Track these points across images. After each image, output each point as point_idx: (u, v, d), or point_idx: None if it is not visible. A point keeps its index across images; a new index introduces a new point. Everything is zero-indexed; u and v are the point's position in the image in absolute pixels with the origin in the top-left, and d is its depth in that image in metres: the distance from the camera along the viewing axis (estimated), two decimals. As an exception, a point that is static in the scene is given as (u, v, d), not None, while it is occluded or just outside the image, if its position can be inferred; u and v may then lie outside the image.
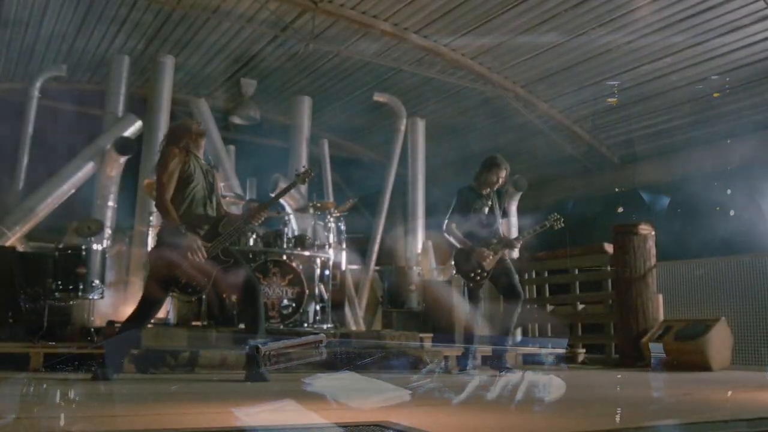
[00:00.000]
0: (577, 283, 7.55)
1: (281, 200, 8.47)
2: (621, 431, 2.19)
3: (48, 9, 7.75)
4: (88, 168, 7.94)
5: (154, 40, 8.65)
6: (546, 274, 8.03)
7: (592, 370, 6.34)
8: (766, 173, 7.80)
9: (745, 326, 6.09)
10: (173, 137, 4.32)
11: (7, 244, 7.26)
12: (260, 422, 2.22)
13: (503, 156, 5.43)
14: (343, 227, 7.14)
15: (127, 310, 6.68)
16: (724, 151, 8.72)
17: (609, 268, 7.13)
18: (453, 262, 5.45)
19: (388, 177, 9.69)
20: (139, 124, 8.17)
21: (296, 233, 7.29)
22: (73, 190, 7.92)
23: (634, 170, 10.15)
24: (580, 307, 7.58)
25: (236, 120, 10.01)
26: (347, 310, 8.45)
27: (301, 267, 6.46)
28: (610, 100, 9.10)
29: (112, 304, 7.11)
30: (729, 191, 7.94)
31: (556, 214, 5.29)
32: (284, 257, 6.35)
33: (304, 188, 9.12)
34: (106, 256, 6.74)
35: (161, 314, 5.74)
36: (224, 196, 6.41)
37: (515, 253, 7.84)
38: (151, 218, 6.72)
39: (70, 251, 6.35)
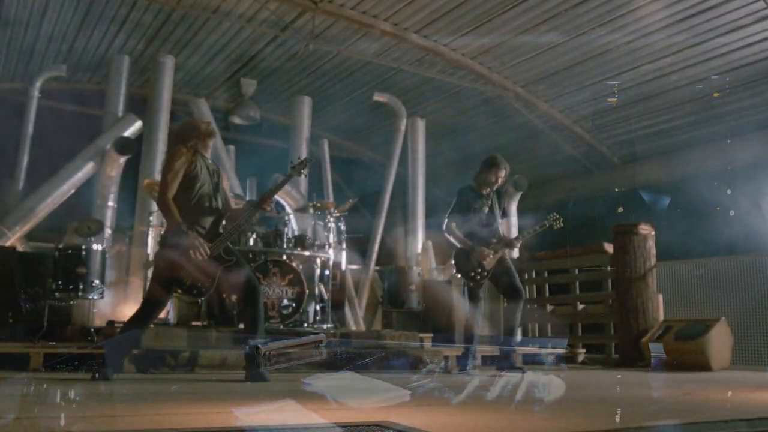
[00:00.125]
0: (577, 283, 7.55)
1: (281, 200, 8.48)
2: (621, 431, 2.19)
3: (48, 9, 7.75)
4: (88, 168, 7.95)
5: (154, 40, 8.65)
6: (546, 274, 8.03)
7: (592, 370, 6.34)
8: (766, 173, 7.80)
9: (745, 326, 6.09)
10: (181, 136, 4.32)
11: (7, 244, 7.27)
12: (260, 422, 2.22)
13: (503, 156, 5.43)
14: (343, 227, 7.14)
15: (127, 310, 6.70)
16: (724, 151, 8.73)
17: (609, 268, 7.13)
18: (453, 262, 5.46)
19: (388, 177, 9.70)
20: (139, 124, 8.17)
21: (296, 233, 7.28)
22: (73, 190, 7.92)
23: (634, 170, 10.15)
24: (580, 307, 7.58)
25: (236, 120, 10.02)
26: (347, 310, 8.45)
27: (301, 267, 6.45)
28: (610, 100, 9.11)
29: (112, 304, 7.12)
30: (729, 191, 7.94)
31: (555, 213, 5.29)
32: (284, 257, 6.35)
33: (304, 188, 9.13)
34: (106, 256, 6.74)
35: (161, 314, 5.74)
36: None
37: (515, 253, 7.84)
38: (151, 218, 6.73)
39: (70, 251, 6.35)
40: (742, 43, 7.46)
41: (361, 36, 8.48)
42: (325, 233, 7.06)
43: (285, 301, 6.14)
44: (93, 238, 6.62)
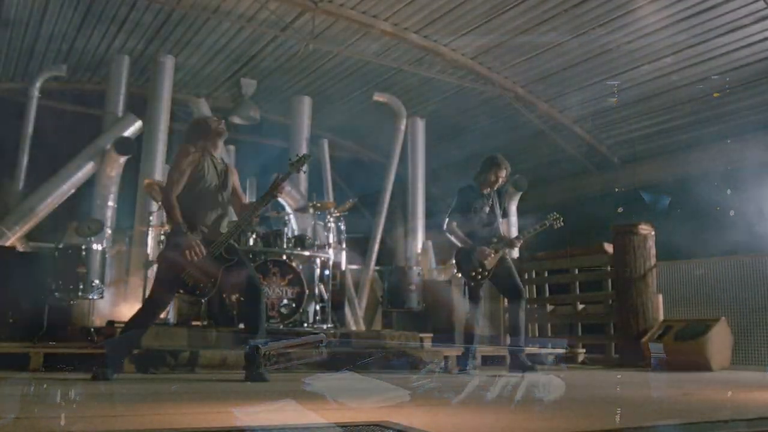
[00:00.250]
0: (577, 283, 7.55)
1: (281, 200, 8.48)
2: (621, 431, 2.19)
3: (48, 9, 7.75)
4: (88, 168, 7.95)
5: (154, 40, 8.65)
6: (546, 274, 8.03)
7: (592, 370, 6.34)
8: (766, 173, 7.79)
9: (745, 326, 6.09)
10: (191, 135, 4.32)
11: (7, 244, 7.27)
12: (260, 422, 2.22)
13: (503, 156, 5.44)
14: (343, 227, 7.14)
15: (127, 309, 6.70)
16: (724, 151, 8.72)
17: (609, 268, 7.13)
18: (454, 261, 5.46)
19: (388, 177, 9.69)
20: (139, 124, 8.17)
21: (296, 233, 7.29)
22: (73, 190, 7.93)
23: (634, 170, 10.15)
24: (580, 307, 7.58)
25: (236, 120, 10.01)
26: (347, 310, 8.45)
27: (301, 267, 6.46)
28: (610, 100, 9.10)
29: (112, 304, 7.12)
30: (729, 191, 7.94)
31: (555, 213, 5.29)
32: (284, 257, 6.35)
33: (304, 188, 9.13)
34: (106, 256, 6.74)
35: (161, 314, 5.73)
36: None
37: (515, 253, 7.84)
38: (151, 218, 6.72)
39: (70, 251, 6.35)
40: (742, 43, 7.46)
41: (361, 36, 8.48)
42: (325, 233, 7.06)
43: (285, 301, 6.15)
44: (93, 238, 6.62)
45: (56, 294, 6.13)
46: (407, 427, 2.13)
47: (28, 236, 7.74)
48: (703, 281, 6.53)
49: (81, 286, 6.19)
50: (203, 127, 4.34)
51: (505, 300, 7.61)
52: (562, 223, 5.26)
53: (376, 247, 9.39)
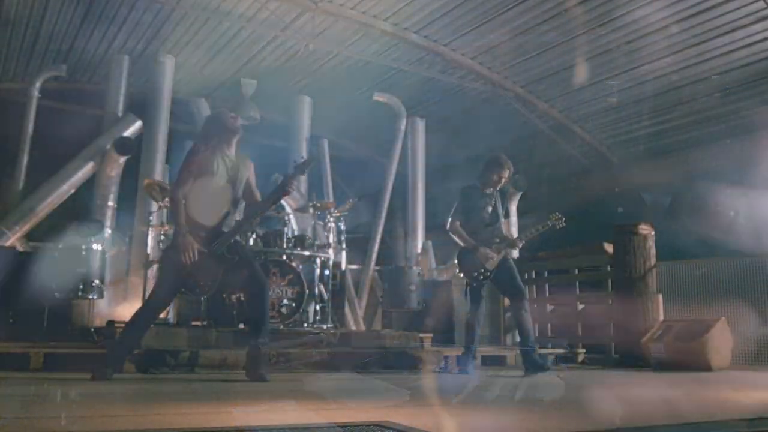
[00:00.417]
0: (577, 283, 7.55)
1: (281, 200, 8.48)
2: (621, 431, 2.19)
3: (48, 9, 7.74)
4: (88, 168, 7.95)
5: (154, 40, 8.64)
6: (546, 274, 8.03)
7: (592, 370, 6.34)
8: (765, 173, 7.79)
9: (745, 326, 6.08)
10: (205, 132, 4.32)
11: (7, 244, 7.27)
12: (260, 422, 2.22)
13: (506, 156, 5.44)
14: (343, 227, 7.14)
15: (127, 310, 6.70)
16: (724, 151, 8.72)
17: (609, 268, 7.12)
18: (456, 261, 5.46)
19: (388, 177, 9.69)
20: (139, 124, 8.17)
21: (296, 233, 7.28)
22: (73, 190, 7.92)
23: (634, 170, 10.15)
24: (580, 307, 7.58)
25: (236, 120, 10.00)
26: (347, 310, 8.45)
27: (301, 267, 6.46)
28: (610, 99, 9.10)
29: (112, 304, 7.12)
30: (729, 191, 7.94)
31: (557, 213, 5.27)
32: (284, 257, 6.35)
33: (304, 188, 9.13)
34: (106, 256, 6.74)
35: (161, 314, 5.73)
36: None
37: (515, 253, 7.84)
38: (151, 218, 6.73)
39: (70, 251, 6.35)
40: (741, 43, 7.46)
41: (361, 36, 8.48)
42: (325, 233, 7.06)
43: (285, 301, 6.15)
44: (93, 238, 6.62)
45: (56, 294, 6.13)
46: (407, 427, 2.13)
47: (28, 236, 7.74)
48: (703, 281, 6.52)
49: (81, 286, 6.19)
50: (217, 125, 4.31)
51: (506, 300, 7.61)
52: (564, 224, 5.26)
53: (376, 247, 9.39)
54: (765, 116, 8.37)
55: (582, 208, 10.24)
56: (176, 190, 4.14)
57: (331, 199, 8.79)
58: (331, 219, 6.93)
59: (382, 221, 9.54)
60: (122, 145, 7.74)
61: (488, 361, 6.21)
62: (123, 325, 5.18)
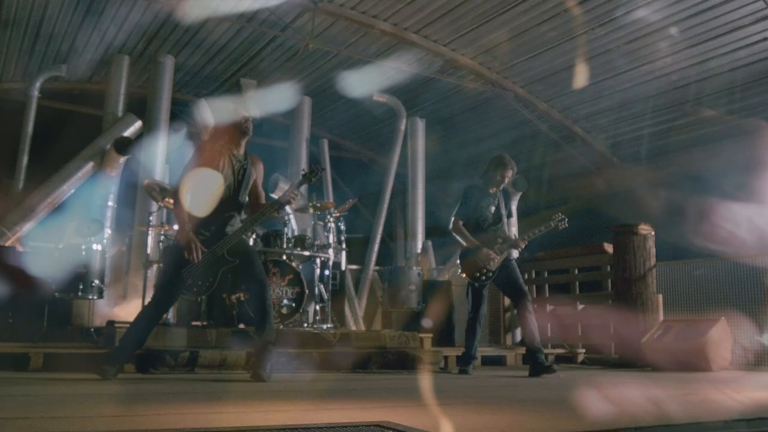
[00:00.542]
0: (577, 283, 7.55)
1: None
2: (621, 431, 2.19)
3: (48, 9, 7.74)
4: (88, 168, 7.95)
5: (154, 40, 8.64)
6: (546, 274, 8.03)
7: (591, 370, 6.34)
8: (765, 173, 7.79)
9: (745, 327, 6.08)
10: (216, 131, 4.30)
11: (7, 244, 7.27)
12: (260, 422, 2.22)
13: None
14: (343, 227, 7.14)
15: (127, 310, 6.70)
16: (724, 151, 8.72)
17: (609, 269, 7.13)
18: (458, 261, 5.45)
19: (388, 177, 9.69)
20: (139, 124, 8.17)
21: (296, 233, 7.28)
22: (73, 190, 7.92)
23: (634, 170, 10.15)
24: (580, 307, 7.58)
25: (236, 120, 10.00)
26: (347, 310, 8.45)
27: (301, 267, 6.46)
28: (610, 99, 9.10)
29: (112, 304, 7.12)
30: (728, 191, 7.93)
31: (560, 214, 5.27)
32: (284, 257, 6.35)
33: (304, 188, 9.13)
34: (106, 256, 6.74)
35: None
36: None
37: (515, 253, 7.84)
38: (151, 218, 6.73)
39: (70, 251, 6.35)
40: (741, 43, 7.46)
41: (361, 36, 8.48)
42: (325, 233, 7.06)
43: (285, 301, 6.15)
44: (93, 238, 6.62)
45: (56, 294, 6.13)
46: (407, 427, 2.13)
47: (28, 236, 7.74)
48: (703, 281, 6.52)
49: (81, 286, 6.18)
50: (229, 127, 4.26)
51: (506, 300, 7.62)
52: (566, 224, 5.25)
53: (376, 247, 9.39)
54: (764, 116, 8.37)
55: (582, 208, 10.26)
56: (180, 188, 4.13)
57: (331, 199, 8.78)
58: (331, 219, 6.93)
59: (382, 221, 9.54)
60: (122, 145, 7.73)
61: (488, 361, 6.21)
62: (123, 325, 5.19)
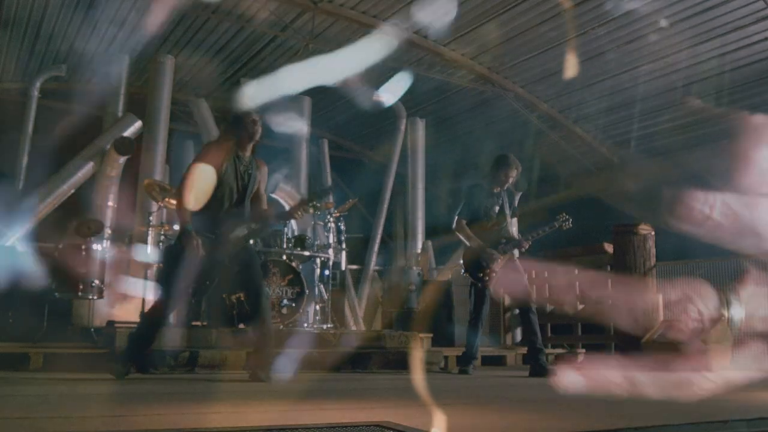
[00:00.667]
0: (577, 283, 7.54)
1: (282, 201, 8.48)
2: (621, 431, 2.19)
3: (48, 9, 7.74)
4: (88, 168, 7.94)
5: (154, 40, 8.64)
6: (546, 274, 8.02)
7: (592, 369, 6.33)
8: (764, 173, 7.79)
9: (745, 326, 6.08)
10: (224, 132, 4.28)
11: (7, 244, 7.26)
12: (260, 422, 2.22)
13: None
14: (343, 227, 7.14)
15: (127, 309, 6.69)
16: (724, 151, 8.71)
17: (609, 269, 7.12)
18: (461, 261, 5.43)
19: (388, 177, 9.69)
20: (139, 124, 8.17)
21: (296, 233, 7.28)
22: (73, 190, 7.92)
23: (635, 170, 10.14)
24: (580, 307, 7.57)
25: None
26: (347, 310, 8.45)
27: (301, 267, 6.45)
28: (610, 99, 9.10)
29: (112, 304, 7.11)
30: (728, 191, 7.93)
31: (565, 214, 5.24)
32: (284, 257, 6.35)
33: (304, 188, 9.13)
34: (106, 256, 6.73)
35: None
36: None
37: (516, 253, 7.83)
38: (151, 218, 6.72)
39: (70, 251, 6.34)
40: (741, 43, 7.46)
41: (361, 36, 8.48)
42: (325, 233, 7.06)
43: (285, 301, 6.14)
44: (93, 238, 6.62)
45: (56, 294, 6.13)
46: (407, 427, 2.13)
47: (28, 236, 7.74)
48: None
49: (81, 286, 6.18)
50: (237, 125, 4.17)
51: (506, 299, 7.62)
52: (570, 225, 5.23)
53: (376, 247, 9.39)
54: (764, 116, 8.36)
55: (582, 208, 10.24)
56: (183, 192, 4.10)
57: (331, 199, 8.79)
58: (331, 219, 6.93)
59: (382, 221, 9.54)
60: (122, 145, 7.73)
61: (488, 361, 6.21)
62: (123, 325, 5.19)
